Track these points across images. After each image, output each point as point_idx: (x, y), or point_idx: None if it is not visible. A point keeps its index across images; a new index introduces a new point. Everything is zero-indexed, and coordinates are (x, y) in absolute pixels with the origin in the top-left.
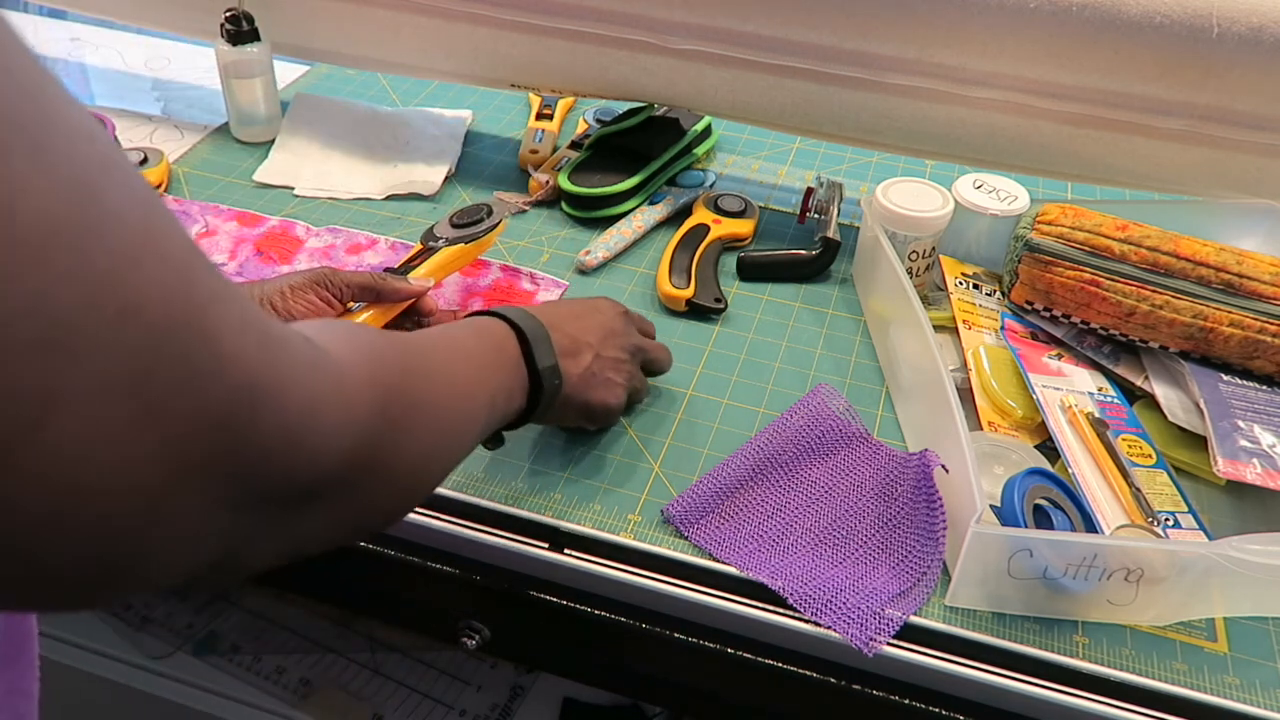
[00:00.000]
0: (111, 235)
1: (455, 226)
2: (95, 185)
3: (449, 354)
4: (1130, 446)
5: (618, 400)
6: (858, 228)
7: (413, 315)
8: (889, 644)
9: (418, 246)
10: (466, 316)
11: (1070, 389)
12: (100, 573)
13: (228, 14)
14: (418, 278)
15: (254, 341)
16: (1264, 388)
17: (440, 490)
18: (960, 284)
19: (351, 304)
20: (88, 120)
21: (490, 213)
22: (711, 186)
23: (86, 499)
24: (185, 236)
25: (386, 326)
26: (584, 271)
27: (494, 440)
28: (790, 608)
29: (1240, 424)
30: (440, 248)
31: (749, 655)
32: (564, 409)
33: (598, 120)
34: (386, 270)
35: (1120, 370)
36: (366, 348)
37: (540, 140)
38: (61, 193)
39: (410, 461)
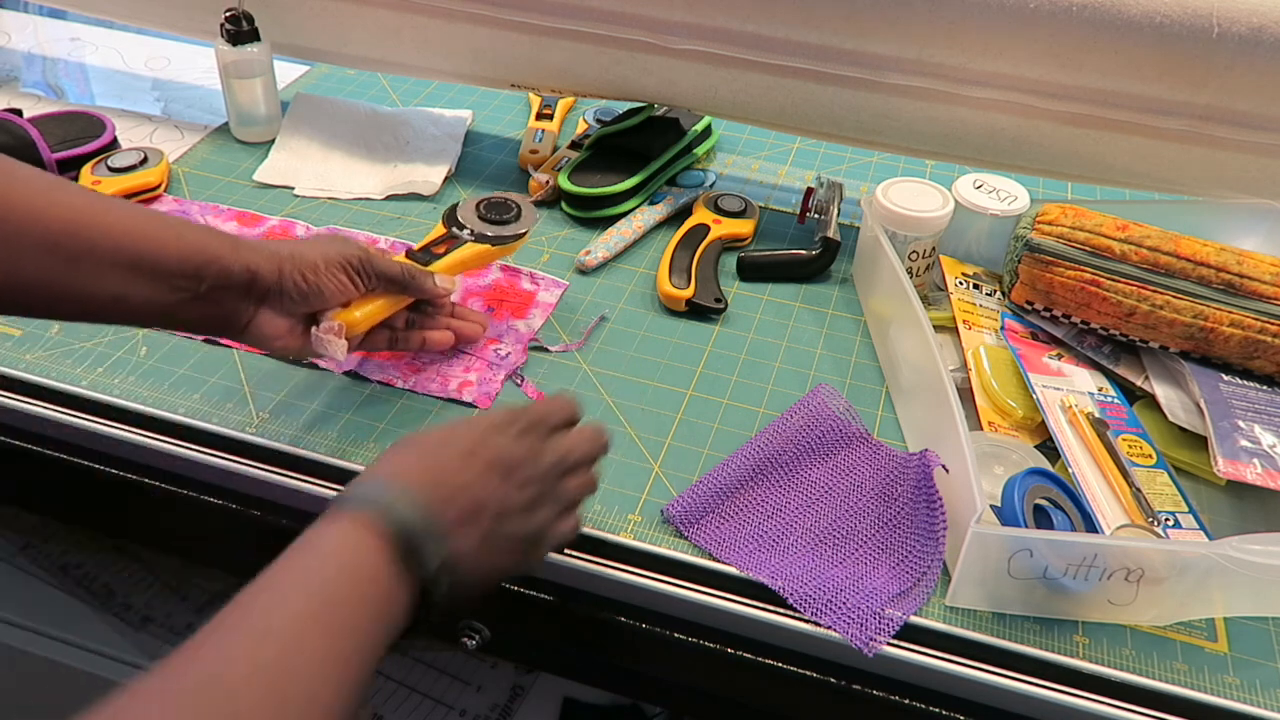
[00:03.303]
0: None
1: (483, 219)
2: None
3: (276, 671)
4: (1130, 446)
5: (548, 543)
6: (858, 228)
7: (422, 305)
8: (889, 644)
9: (439, 228)
10: (320, 522)
11: (1070, 389)
12: None
13: (228, 14)
14: (443, 274)
15: None
16: (1264, 388)
17: None
18: (960, 284)
19: None
20: None
21: (519, 213)
22: (711, 186)
23: None
24: None
25: (394, 315)
26: (584, 271)
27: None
28: (790, 608)
29: (1240, 424)
30: (466, 240)
31: (749, 655)
32: (468, 590)
33: (598, 120)
34: (408, 253)
35: (1120, 370)
36: None
37: (540, 140)
38: None
39: None
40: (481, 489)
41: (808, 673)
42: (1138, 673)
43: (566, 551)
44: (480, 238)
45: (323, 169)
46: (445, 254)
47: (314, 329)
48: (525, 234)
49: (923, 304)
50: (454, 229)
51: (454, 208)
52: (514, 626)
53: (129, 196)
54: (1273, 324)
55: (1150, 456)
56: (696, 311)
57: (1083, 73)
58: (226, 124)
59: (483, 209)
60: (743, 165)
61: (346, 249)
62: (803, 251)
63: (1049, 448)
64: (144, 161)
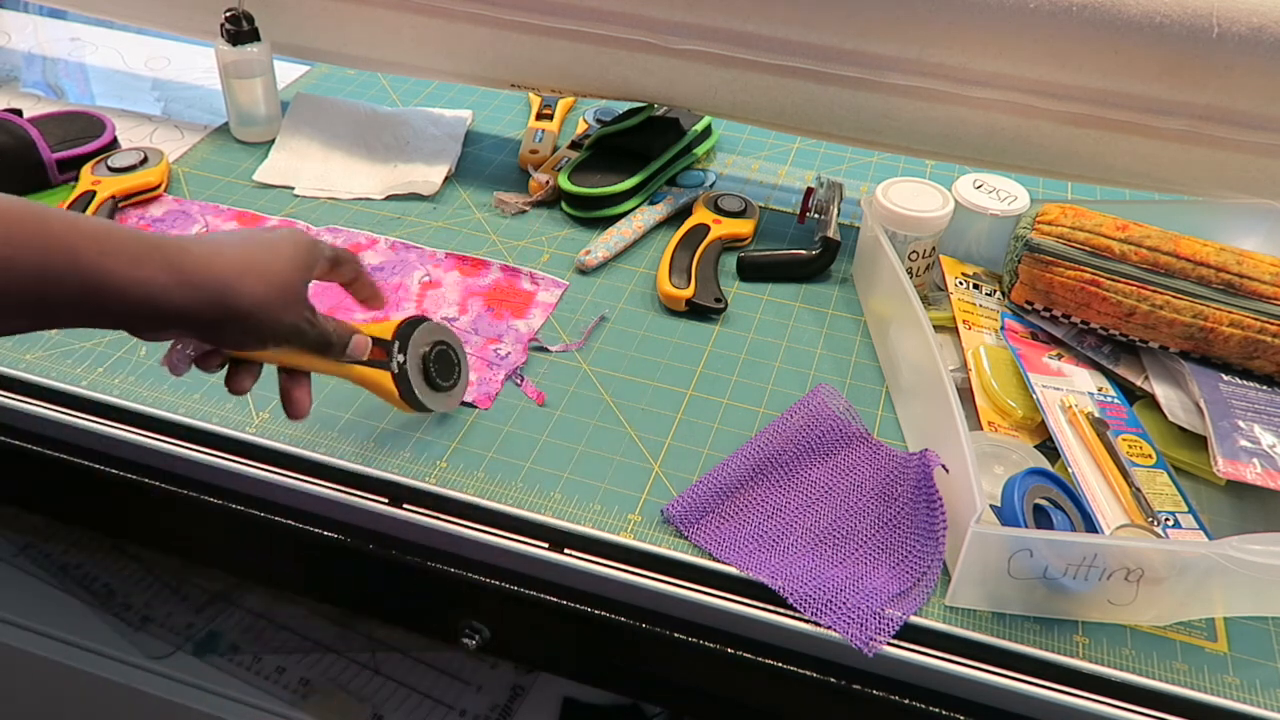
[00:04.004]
0: None
1: (423, 361)
2: None
3: None
4: (1130, 446)
5: None
6: (858, 228)
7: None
8: (889, 644)
9: (393, 324)
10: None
11: (1070, 389)
12: None
13: (228, 14)
14: (362, 338)
15: None
16: (1264, 388)
17: (439, 489)
18: (960, 284)
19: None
20: None
21: (453, 387)
22: (711, 186)
23: None
24: None
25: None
26: (584, 271)
27: None
28: (790, 608)
29: (1240, 424)
30: (386, 368)
31: (749, 655)
32: None
33: (598, 120)
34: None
35: (1120, 370)
36: None
37: (540, 140)
38: None
39: None
40: None
41: (808, 673)
42: (1138, 673)
43: (566, 551)
44: (398, 377)
45: (323, 169)
46: (365, 361)
47: (176, 347)
48: (429, 411)
49: (923, 304)
50: (396, 345)
51: (417, 324)
52: (514, 626)
53: (129, 196)
54: (1272, 324)
55: (1150, 456)
56: (696, 311)
57: (1083, 73)
58: (226, 124)
59: (434, 355)
60: (743, 165)
61: (304, 327)
62: (803, 251)
63: (1049, 448)
64: (144, 161)
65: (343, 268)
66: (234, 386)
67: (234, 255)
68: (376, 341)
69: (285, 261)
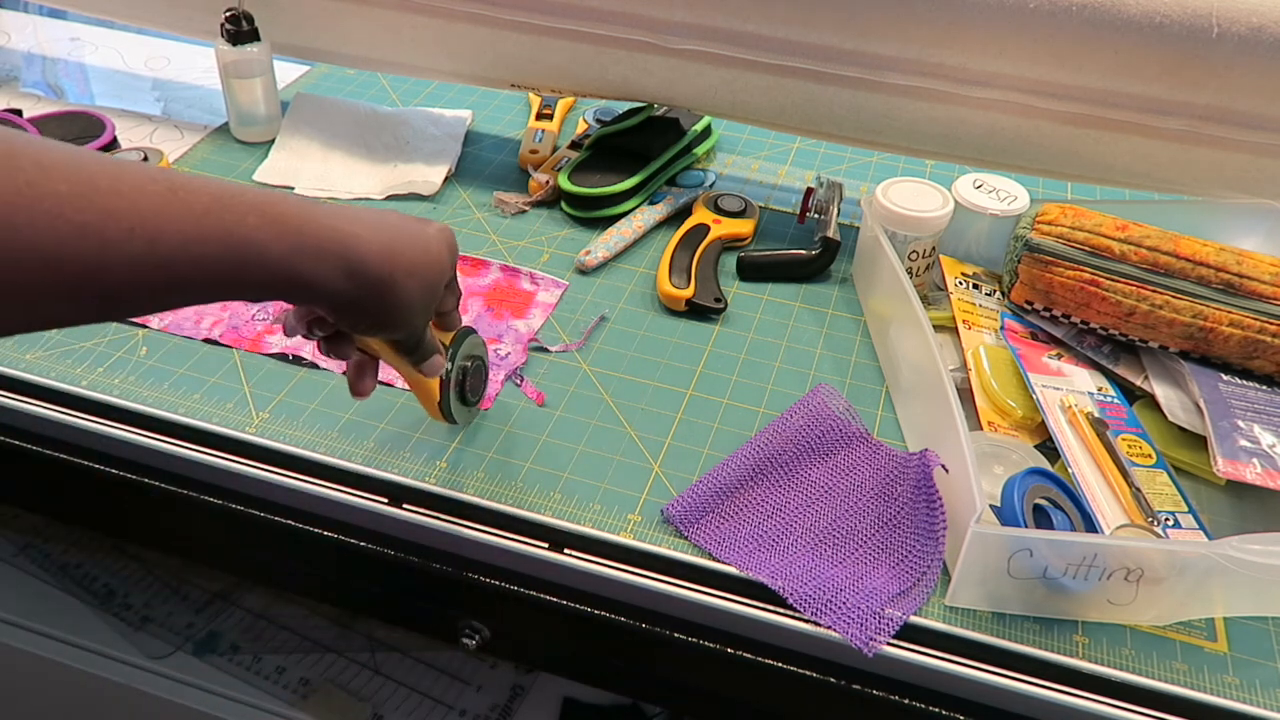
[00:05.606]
0: None
1: (461, 371)
2: None
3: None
4: (1130, 446)
5: None
6: (858, 228)
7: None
8: (889, 644)
9: (451, 332)
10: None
11: (1070, 389)
12: None
13: (228, 14)
14: (439, 357)
15: None
16: (1264, 388)
17: (439, 489)
18: (960, 284)
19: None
20: None
21: (475, 401)
22: (711, 186)
23: None
24: None
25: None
26: (584, 271)
27: None
28: (790, 608)
29: (1240, 424)
30: (433, 373)
31: (749, 655)
32: None
33: (598, 120)
34: None
35: (1120, 370)
36: None
37: (540, 140)
38: None
39: None
40: None
41: (808, 673)
42: (1137, 673)
43: (566, 551)
44: (443, 383)
45: (323, 169)
46: (420, 364)
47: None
48: (453, 424)
49: (923, 304)
50: (455, 351)
51: (466, 335)
52: (514, 626)
53: None
54: (1272, 324)
55: (1150, 456)
56: (696, 311)
57: (1083, 73)
58: (226, 124)
59: (470, 370)
60: (743, 165)
61: (422, 330)
62: (803, 251)
63: (1049, 448)
64: (144, 161)
65: (449, 297)
66: (338, 353)
67: (403, 252)
68: (445, 348)
69: (439, 268)
